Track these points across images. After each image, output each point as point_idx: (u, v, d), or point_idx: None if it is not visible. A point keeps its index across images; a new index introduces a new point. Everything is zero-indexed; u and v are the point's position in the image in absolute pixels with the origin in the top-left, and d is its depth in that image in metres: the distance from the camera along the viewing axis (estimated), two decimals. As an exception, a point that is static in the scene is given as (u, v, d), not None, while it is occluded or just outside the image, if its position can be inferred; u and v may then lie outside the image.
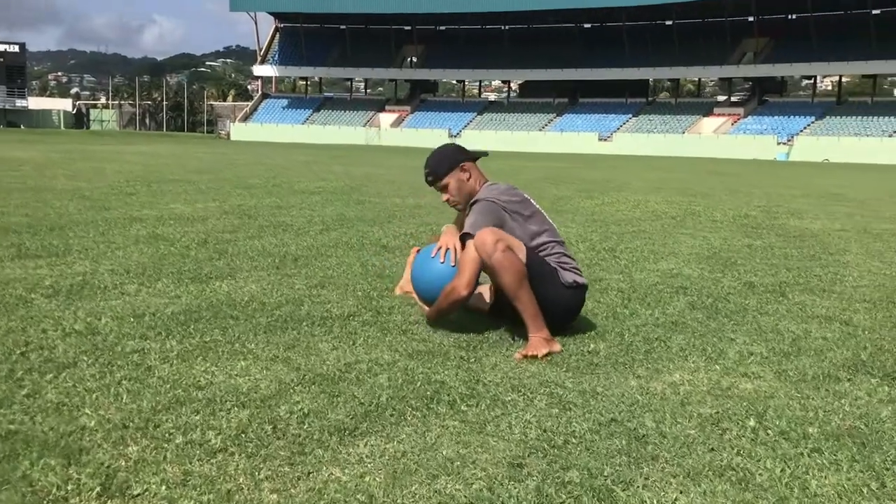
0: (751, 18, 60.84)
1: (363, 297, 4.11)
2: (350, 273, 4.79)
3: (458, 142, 61.19)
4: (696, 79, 69.49)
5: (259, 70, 74.45)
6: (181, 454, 2.10)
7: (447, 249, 3.54)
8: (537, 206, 3.65)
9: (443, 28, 71.51)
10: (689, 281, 4.94)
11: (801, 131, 55.60)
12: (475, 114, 67.70)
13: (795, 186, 16.79)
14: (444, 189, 3.68)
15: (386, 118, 69.07)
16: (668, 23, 62.83)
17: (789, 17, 61.70)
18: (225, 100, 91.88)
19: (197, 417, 2.36)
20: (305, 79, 76.57)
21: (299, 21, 71.44)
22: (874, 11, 55.69)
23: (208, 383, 2.68)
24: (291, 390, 2.63)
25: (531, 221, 3.55)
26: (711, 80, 78.65)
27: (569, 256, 3.60)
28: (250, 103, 76.41)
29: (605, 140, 58.88)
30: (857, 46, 55.34)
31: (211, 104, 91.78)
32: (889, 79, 69.66)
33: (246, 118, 71.34)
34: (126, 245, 5.49)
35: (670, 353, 3.27)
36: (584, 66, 63.38)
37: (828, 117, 56.90)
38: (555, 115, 64.49)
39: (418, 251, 4.44)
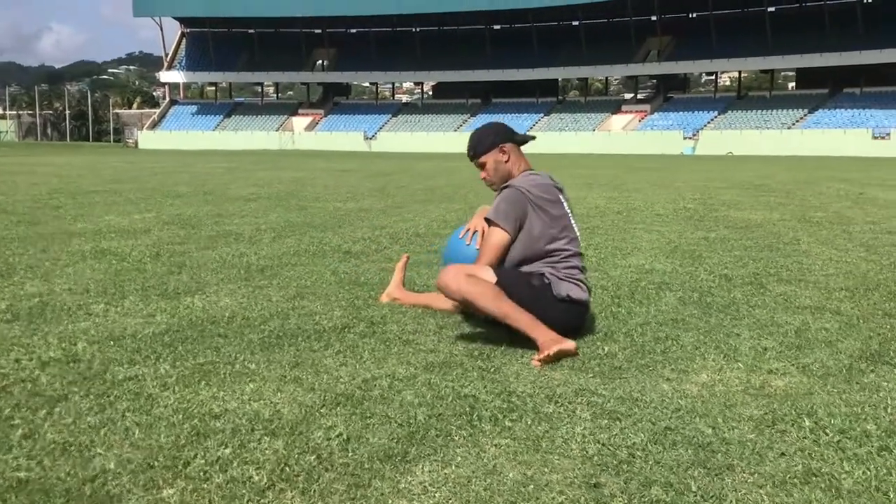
0: (654, 18, 62.40)
1: (349, 308, 3.90)
2: (324, 282, 4.57)
3: (373, 144, 61.03)
4: (604, 77, 70.85)
5: (166, 76, 72.44)
6: (227, 495, 1.89)
7: (475, 232, 3.50)
8: (568, 210, 3.52)
9: (354, 31, 70.96)
10: (667, 276, 4.90)
11: (705, 126, 57.31)
12: (390, 116, 67.48)
13: (716, 179, 17.18)
14: (482, 167, 3.57)
15: (299, 122, 68.16)
16: (575, 23, 63.91)
17: (690, 15, 63.52)
18: (130, 107, 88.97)
19: (227, 451, 2.14)
20: (214, 84, 74.90)
21: (206, 25, 69.82)
22: (770, 9, 57.87)
23: (223, 411, 2.45)
24: (318, 413, 2.43)
25: (555, 222, 3.44)
26: (616, 79, 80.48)
27: (579, 269, 3.47)
28: (158, 110, 74.27)
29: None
30: (754, 43, 57.36)
31: (117, 112, 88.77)
32: (783, 73, 72.26)
33: (154, 126, 69.32)
34: (74, 262, 5.12)
35: (686, 353, 3.18)
36: (496, 68, 63.89)
37: (730, 112, 58.83)
38: (469, 115, 64.79)
39: (408, 258, 4.27)
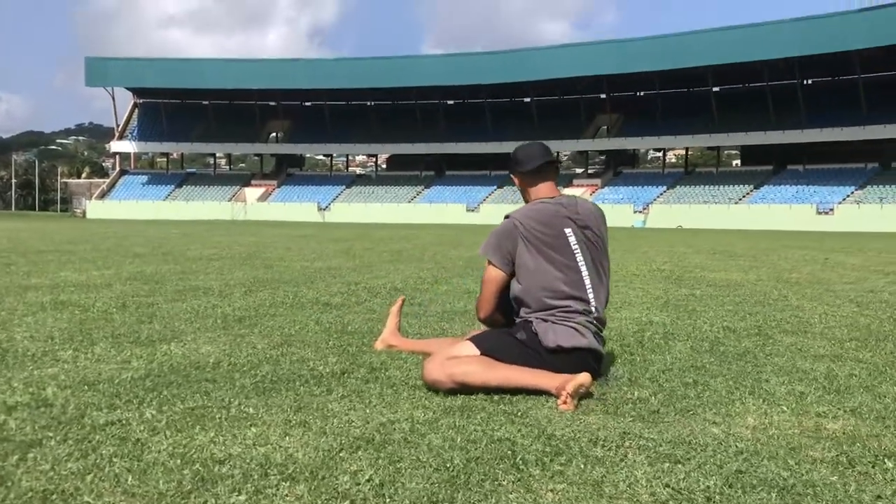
0: (603, 96, 63.90)
1: (343, 354, 3.59)
2: (309, 331, 4.25)
3: (327, 214, 60.64)
4: (556, 152, 72.03)
5: (117, 146, 71.62)
6: (252, 546, 1.56)
7: None
8: (575, 245, 3.18)
9: (308, 103, 71.36)
10: (669, 327, 4.68)
11: (655, 200, 58.28)
12: (344, 187, 67.43)
13: (678, 245, 17.22)
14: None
15: (252, 193, 67.69)
16: (527, 100, 65.14)
17: (638, 94, 65.24)
18: (79, 177, 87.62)
19: (242, 498, 1.81)
20: (166, 155, 74.28)
21: (160, 96, 69.57)
22: (715, 89, 59.68)
23: (227, 456, 2.12)
24: (338, 457, 2.11)
25: (553, 261, 3.14)
26: (567, 154, 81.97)
27: (579, 312, 3.12)
28: (107, 180, 73.17)
29: (473, 210, 59.78)
30: (700, 121, 58.97)
31: (65, 182, 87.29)
32: (728, 150, 74.22)
33: (103, 195, 68.15)
34: (33, 311, 4.73)
35: (721, 397, 2.93)
36: (449, 141, 64.57)
37: (678, 186, 59.99)
38: (423, 187, 65.08)
39: (403, 300, 3.99)
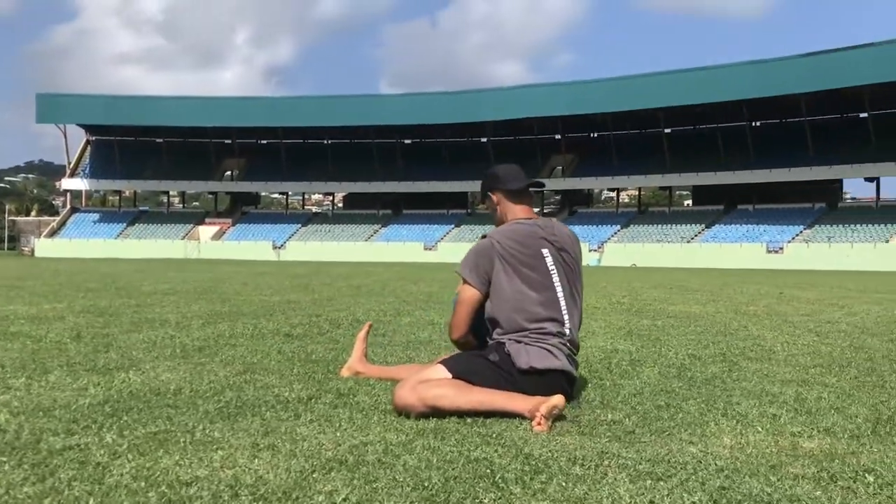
0: (558, 136, 64.75)
1: (309, 381, 3.50)
2: (271, 360, 4.15)
3: (282, 253, 60.18)
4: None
5: (68, 184, 70.46)
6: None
7: None
8: (552, 266, 3.15)
9: (264, 141, 71.13)
10: (635, 354, 4.67)
11: (609, 239, 58.95)
12: (300, 225, 67.06)
13: (635, 281, 17.36)
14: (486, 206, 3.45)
15: (206, 231, 66.96)
16: (484, 140, 65.75)
17: (592, 135, 66.28)
18: (28, 215, 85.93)
19: (212, 518, 1.72)
20: (118, 192, 73.23)
21: (113, 134, 68.78)
22: (667, 130, 60.89)
23: (193, 478, 2.02)
24: (311, 478, 2.04)
25: (530, 282, 3.11)
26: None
27: (553, 334, 3.08)
28: (57, 218, 71.82)
29: (431, 249, 59.81)
30: (653, 161, 60.01)
31: (13, 220, 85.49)
32: (677, 192, 75.49)
33: (53, 233, 66.84)
34: (-19, 342, 4.55)
35: (695, 419, 2.90)
36: (407, 179, 64.74)
37: (632, 226, 60.79)
38: (380, 225, 65.01)
39: (371, 326, 3.91)
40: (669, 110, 56.87)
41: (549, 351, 3.06)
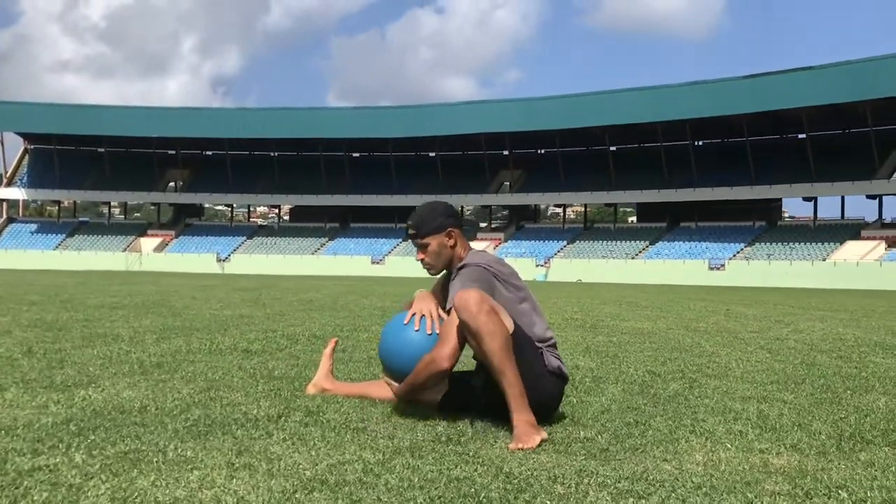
0: (505, 152, 65.24)
1: (275, 398, 3.46)
2: (234, 376, 4.08)
3: (227, 266, 59.41)
4: (460, 206, 72.89)
5: (4, 193, 68.56)
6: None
7: (422, 316, 3.09)
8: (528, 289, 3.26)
9: (209, 153, 70.25)
10: (596, 371, 4.71)
11: (556, 254, 59.54)
12: (245, 238, 66.32)
13: (584, 298, 17.54)
14: (424, 248, 3.24)
15: (148, 243, 65.79)
16: (432, 154, 65.95)
17: (539, 151, 66.97)
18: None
19: (199, 541, 1.68)
20: (58, 203, 71.52)
21: (53, 142, 67.21)
22: (612, 148, 61.85)
23: (173, 499, 1.98)
24: (294, 498, 2.01)
25: (526, 299, 3.18)
26: (470, 208, 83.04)
27: (555, 346, 3.23)
28: (-8, 228, 69.76)
29: (378, 263, 59.67)
30: (598, 179, 60.86)
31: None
32: (622, 209, 76.52)
33: (-13, 244, 64.96)
34: (-72, 357, 4.39)
35: (665, 436, 2.94)
36: (355, 193, 64.57)
37: (577, 241, 61.52)
38: (327, 239, 64.66)
39: (336, 342, 3.88)
40: (615, 128, 57.85)
41: (562, 361, 3.20)
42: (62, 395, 3.36)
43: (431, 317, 3.09)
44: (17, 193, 68.50)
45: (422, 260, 3.28)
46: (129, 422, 2.85)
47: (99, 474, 2.18)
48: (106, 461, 2.31)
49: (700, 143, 60.72)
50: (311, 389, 3.63)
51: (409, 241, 3.26)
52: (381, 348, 3.22)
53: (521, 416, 2.81)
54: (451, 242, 3.24)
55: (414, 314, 3.12)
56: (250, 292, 15.85)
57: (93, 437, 2.59)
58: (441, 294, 3.32)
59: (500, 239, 63.21)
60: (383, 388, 3.40)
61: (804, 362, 5.53)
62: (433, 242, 3.22)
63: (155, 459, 2.35)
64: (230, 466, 2.31)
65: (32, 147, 70.40)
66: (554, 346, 3.22)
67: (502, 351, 2.86)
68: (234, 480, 2.16)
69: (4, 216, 69.36)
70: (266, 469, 2.29)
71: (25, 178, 68.84)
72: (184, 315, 8.48)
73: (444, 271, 3.34)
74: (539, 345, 3.14)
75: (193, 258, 61.98)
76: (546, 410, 3.07)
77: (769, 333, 8.07)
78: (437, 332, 3.07)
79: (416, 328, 3.09)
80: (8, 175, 68.31)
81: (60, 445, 2.47)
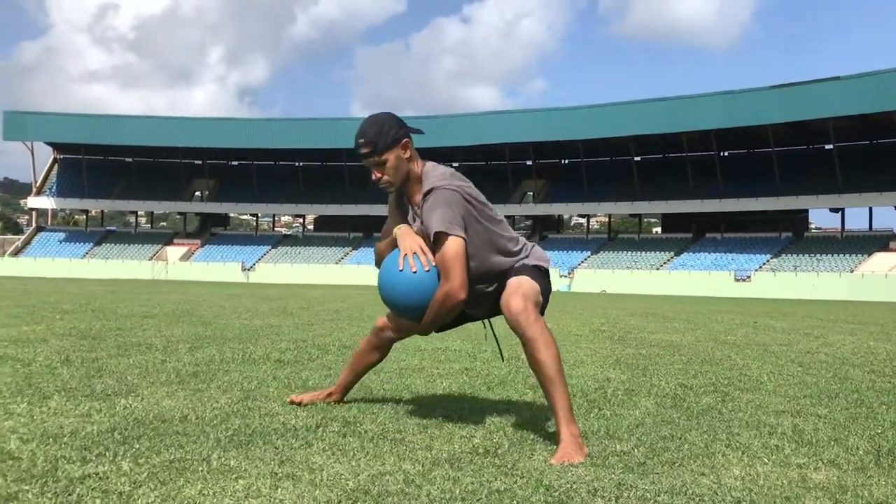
0: (529, 162, 65.25)
1: (313, 408, 3.49)
2: (269, 386, 4.13)
3: (251, 275, 59.73)
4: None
5: (34, 202, 69.55)
6: None
7: (415, 253, 3.03)
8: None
9: (235, 163, 70.84)
10: (628, 384, 4.71)
11: (580, 265, 59.36)
12: (269, 247, 66.73)
13: (610, 308, 17.49)
14: (381, 165, 3.07)
15: (174, 252, 66.38)
16: (455, 164, 66.11)
17: (563, 161, 66.90)
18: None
19: (251, 550, 1.72)
20: (85, 212, 72.40)
21: (81, 152, 68.06)
22: (636, 158, 61.63)
23: (222, 508, 2.02)
24: (340, 510, 2.04)
25: (502, 225, 3.21)
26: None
27: (527, 248, 3.31)
28: (22, 237, 70.75)
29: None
30: (623, 189, 60.68)
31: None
32: (646, 219, 76.20)
33: (17, 252, 65.84)
34: (-29, 365, 4.48)
35: (701, 450, 2.94)
36: (378, 203, 64.67)
37: (602, 252, 61.30)
38: (351, 248, 64.91)
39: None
40: (639, 139, 57.71)
41: (537, 257, 3.28)
42: (104, 403, 3.42)
43: (423, 251, 3.02)
44: (46, 203, 69.43)
45: (379, 178, 3.11)
46: (171, 431, 2.90)
47: (147, 482, 2.22)
48: (153, 470, 2.36)
49: (726, 153, 60.38)
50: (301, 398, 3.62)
51: (362, 161, 3.08)
52: (387, 297, 3.14)
53: (571, 428, 2.83)
54: (407, 154, 3.10)
55: (404, 255, 3.05)
56: (277, 302, 15.96)
57: (137, 446, 2.64)
58: (398, 215, 3.23)
59: (523, 249, 63.07)
60: (367, 356, 3.54)
61: (836, 376, 5.49)
62: (391, 158, 3.07)
63: (200, 468, 2.40)
64: (274, 476, 2.34)
65: (61, 157, 71.35)
66: (526, 247, 3.26)
67: (557, 361, 2.91)
68: (279, 490, 2.20)
69: (34, 225, 70.32)
70: (309, 479, 2.33)
71: (54, 187, 69.75)
72: (214, 324, 8.57)
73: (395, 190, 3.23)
74: (519, 259, 3.21)
75: (219, 267, 62.44)
76: (545, 302, 3.19)
77: (799, 346, 8.01)
78: (434, 264, 3.01)
79: (413, 269, 3.02)
80: (38, 185, 69.27)
81: (107, 454, 2.53)
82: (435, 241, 2.98)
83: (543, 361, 2.90)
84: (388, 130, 3.05)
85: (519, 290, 3.02)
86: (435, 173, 3.12)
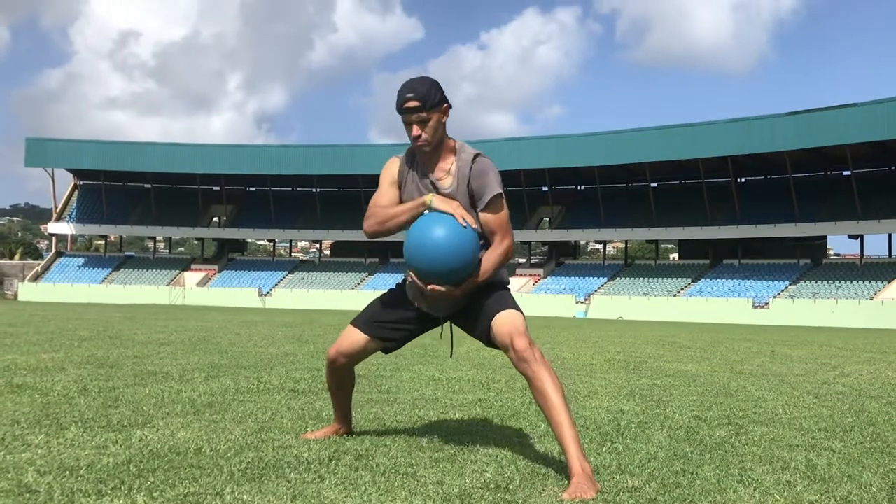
0: (545, 188, 65.29)
1: (326, 441, 3.52)
2: (283, 417, 4.16)
3: (268, 300, 59.84)
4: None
5: (54, 227, 70.25)
6: None
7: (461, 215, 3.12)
8: None
9: (253, 189, 71.37)
10: (641, 416, 4.71)
11: (596, 291, 59.14)
12: (286, 273, 66.97)
13: (626, 336, 17.42)
14: (424, 123, 3.09)
15: (192, 277, 66.72)
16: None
17: (579, 188, 66.93)
18: (12, 258, 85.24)
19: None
20: (104, 237, 73.01)
21: (101, 178, 68.81)
22: (653, 184, 61.56)
23: (233, 544, 2.04)
24: (350, 546, 2.06)
25: None
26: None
27: None
28: (42, 262, 71.42)
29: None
30: (639, 215, 60.57)
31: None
32: (663, 245, 75.95)
33: (37, 278, 66.41)
34: (-10, 395, 4.54)
35: (713, 486, 2.94)
36: (394, 228, 64.95)
37: (618, 278, 61.06)
38: (367, 274, 65.03)
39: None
40: (656, 165, 57.64)
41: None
42: (120, 435, 3.46)
43: (465, 210, 3.15)
44: (65, 228, 70.08)
45: (418, 136, 3.11)
46: (185, 464, 2.94)
47: (161, 517, 2.25)
48: (167, 503, 2.39)
49: (743, 179, 60.21)
50: (318, 434, 3.64)
51: (403, 115, 3.11)
52: (432, 258, 3.10)
53: (583, 463, 2.84)
54: (446, 119, 3.17)
55: (457, 215, 3.10)
56: (293, 328, 16.01)
57: (152, 479, 2.67)
58: (392, 192, 3.34)
59: (539, 275, 63.02)
60: (339, 388, 3.61)
61: (852, 408, 5.46)
62: (434, 118, 3.11)
63: (213, 503, 2.43)
64: (286, 511, 2.37)
65: (81, 183, 72.10)
66: None
67: (562, 395, 2.97)
68: (291, 526, 2.22)
69: (54, 250, 70.95)
70: (321, 514, 2.35)
71: (74, 213, 70.43)
72: (230, 352, 8.62)
73: (398, 162, 3.35)
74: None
75: (236, 292, 62.70)
76: None
77: (816, 377, 7.97)
78: (470, 224, 3.10)
79: (474, 225, 3.12)
80: (58, 210, 69.98)
81: (122, 487, 2.56)
82: (491, 203, 3.13)
83: (549, 397, 2.95)
84: (436, 91, 3.11)
85: (517, 327, 3.09)
86: (470, 149, 3.23)
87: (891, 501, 2.79)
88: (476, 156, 3.17)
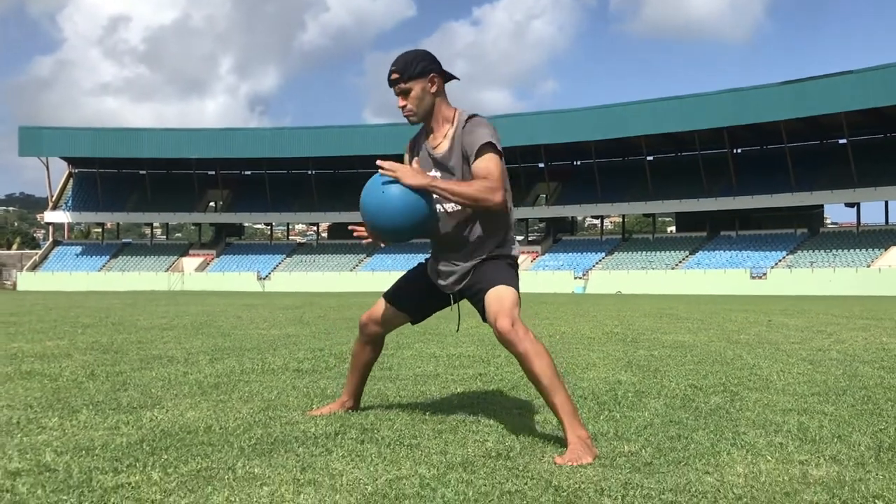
0: (541, 164, 65.29)
1: (331, 417, 3.62)
2: (288, 396, 4.26)
3: (267, 284, 59.97)
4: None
5: (50, 216, 70.23)
6: None
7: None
8: None
9: (248, 172, 71.28)
10: (638, 386, 4.81)
11: (594, 266, 59.31)
12: (284, 256, 67.08)
13: (624, 310, 17.54)
14: (406, 94, 3.18)
15: (190, 262, 66.82)
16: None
17: (575, 163, 66.90)
18: (10, 248, 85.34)
19: (278, 552, 1.84)
20: (101, 225, 73.01)
21: (95, 166, 68.73)
22: (649, 158, 61.58)
23: (248, 514, 2.14)
24: (359, 513, 2.16)
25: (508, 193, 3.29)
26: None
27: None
28: (39, 252, 71.47)
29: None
30: (636, 189, 60.64)
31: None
32: (660, 218, 76.04)
33: (35, 267, 66.49)
34: (1, 382, 4.63)
35: (707, 449, 3.05)
36: (391, 209, 64.96)
37: (616, 253, 61.23)
38: (364, 255, 65.16)
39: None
40: (651, 138, 57.64)
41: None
42: (130, 416, 3.56)
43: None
44: (62, 217, 70.06)
45: (403, 107, 3.22)
46: (196, 441, 3.03)
47: (176, 491, 2.35)
48: (181, 479, 2.49)
49: (739, 150, 60.23)
50: (324, 410, 3.74)
51: (391, 88, 3.21)
52: (364, 211, 3.18)
53: (578, 431, 2.94)
54: (434, 89, 3.20)
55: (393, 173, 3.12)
56: (293, 311, 16.12)
57: (166, 457, 2.77)
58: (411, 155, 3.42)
59: (537, 252, 63.15)
60: (362, 355, 3.66)
61: (846, 373, 5.57)
62: (416, 87, 3.18)
63: (226, 476, 2.52)
64: (296, 482, 2.47)
65: (76, 171, 72.01)
66: (511, 236, 3.41)
67: (551, 368, 3.01)
68: (302, 496, 2.32)
69: (51, 239, 70.98)
70: (330, 485, 2.45)
71: (70, 201, 70.39)
72: (232, 335, 8.72)
73: (414, 137, 3.44)
74: (505, 246, 3.34)
75: (234, 277, 62.82)
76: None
77: (811, 344, 8.08)
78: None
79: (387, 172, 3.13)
80: (53, 199, 69.92)
81: (137, 464, 2.66)
82: (480, 153, 3.08)
83: (538, 373, 3.01)
84: (418, 62, 3.17)
85: (503, 307, 3.09)
86: (468, 113, 3.26)
87: (878, 459, 2.89)
88: (471, 116, 3.22)
